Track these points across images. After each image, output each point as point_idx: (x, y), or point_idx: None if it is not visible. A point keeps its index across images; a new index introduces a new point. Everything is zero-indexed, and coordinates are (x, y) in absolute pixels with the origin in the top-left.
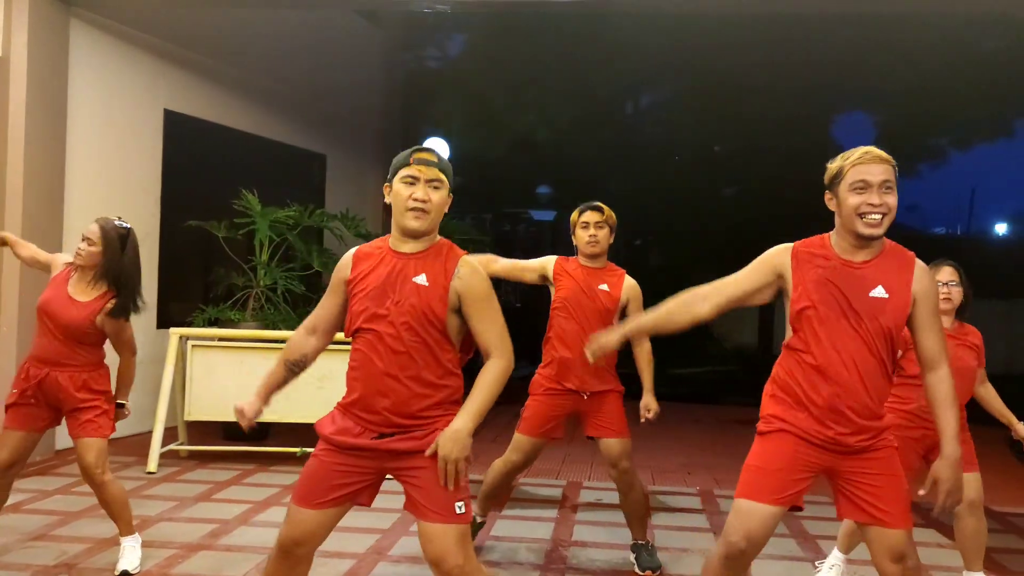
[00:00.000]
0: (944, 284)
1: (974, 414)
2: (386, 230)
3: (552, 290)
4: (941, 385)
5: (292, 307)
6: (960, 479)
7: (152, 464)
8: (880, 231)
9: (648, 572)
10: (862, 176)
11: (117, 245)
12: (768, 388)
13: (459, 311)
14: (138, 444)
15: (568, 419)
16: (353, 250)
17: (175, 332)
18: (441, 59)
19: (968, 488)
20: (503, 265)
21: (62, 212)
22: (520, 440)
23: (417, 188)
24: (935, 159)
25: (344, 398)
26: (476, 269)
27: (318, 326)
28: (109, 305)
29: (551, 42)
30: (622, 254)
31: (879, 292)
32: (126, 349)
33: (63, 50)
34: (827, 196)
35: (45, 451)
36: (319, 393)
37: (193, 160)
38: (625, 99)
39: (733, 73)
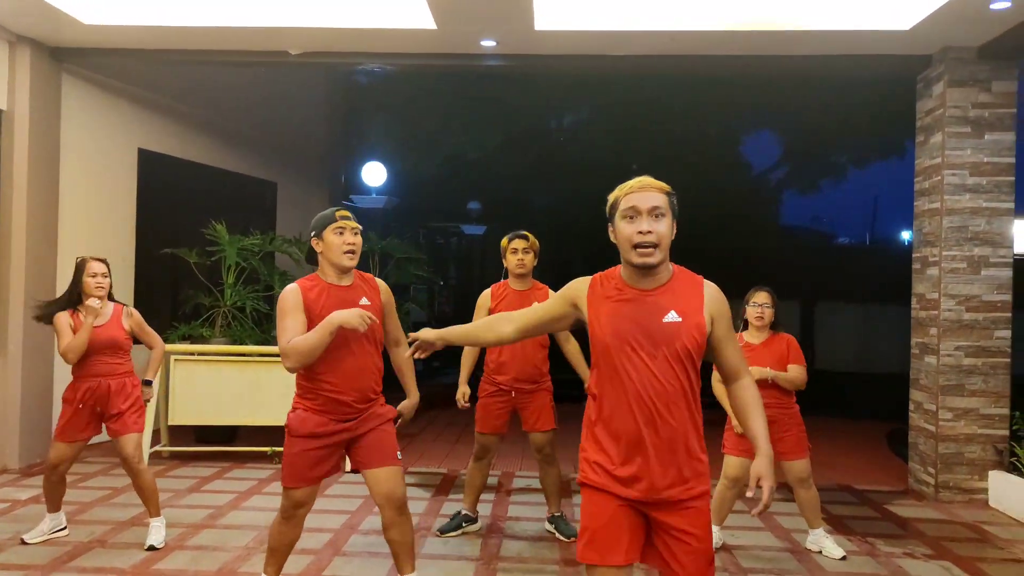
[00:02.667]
0: (759, 306)
1: (849, 410)
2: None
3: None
4: (746, 393)
5: (257, 324)
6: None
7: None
8: (653, 260)
9: (571, 539)
10: (632, 203)
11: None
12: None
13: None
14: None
15: (511, 415)
16: (296, 287)
17: None
18: (378, 90)
19: (800, 469)
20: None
21: (56, 245)
22: (478, 437)
23: (347, 236)
24: (836, 175)
25: (310, 401)
26: (385, 285)
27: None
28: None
29: (479, 71)
30: (550, 263)
31: (672, 317)
32: (154, 337)
33: (56, 101)
34: (609, 228)
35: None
36: (281, 400)
37: (163, 192)
38: (547, 120)
39: (648, 94)
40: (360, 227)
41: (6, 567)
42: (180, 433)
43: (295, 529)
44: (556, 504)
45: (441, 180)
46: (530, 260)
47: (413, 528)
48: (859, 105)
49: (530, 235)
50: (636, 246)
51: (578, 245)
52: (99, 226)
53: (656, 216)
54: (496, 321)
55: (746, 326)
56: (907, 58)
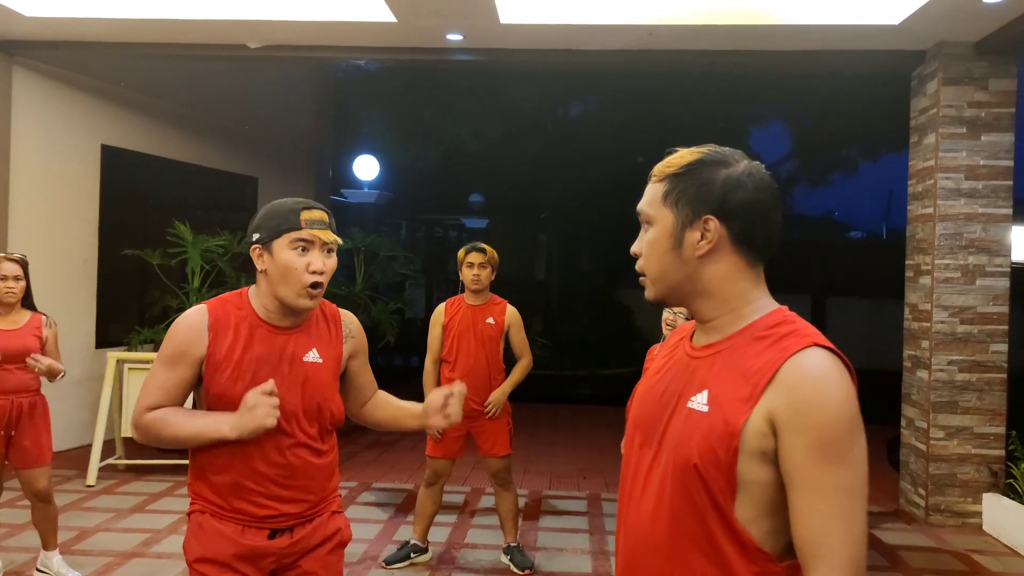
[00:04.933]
0: (675, 313)
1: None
2: None
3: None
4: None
5: None
6: None
7: (91, 478)
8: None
9: (526, 572)
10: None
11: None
12: None
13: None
14: (78, 458)
15: (467, 439)
16: (200, 312)
17: (112, 355)
18: (370, 78)
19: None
20: (429, 358)
21: (6, 246)
22: (429, 462)
23: (313, 256)
24: (847, 168)
25: (209, 502)
26: (359, 325)
27: None
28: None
29: (455, 65)
30: (557, 255)
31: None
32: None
33: (5, 95)
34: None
35: None
36: None
37: (130, 190)
38: (551, 112)
39: (653, 85)
40: (339, 241)
41: None
42: (137, 444)
43: None
44: (513, 533)
45: (440, 173)
46: (486, 275)
47: None
48: (869, 98)
49: (488, 248)
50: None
51: (584, 237)
52: (57, 226)
53: (644, 227)
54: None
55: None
56: (900, 53)
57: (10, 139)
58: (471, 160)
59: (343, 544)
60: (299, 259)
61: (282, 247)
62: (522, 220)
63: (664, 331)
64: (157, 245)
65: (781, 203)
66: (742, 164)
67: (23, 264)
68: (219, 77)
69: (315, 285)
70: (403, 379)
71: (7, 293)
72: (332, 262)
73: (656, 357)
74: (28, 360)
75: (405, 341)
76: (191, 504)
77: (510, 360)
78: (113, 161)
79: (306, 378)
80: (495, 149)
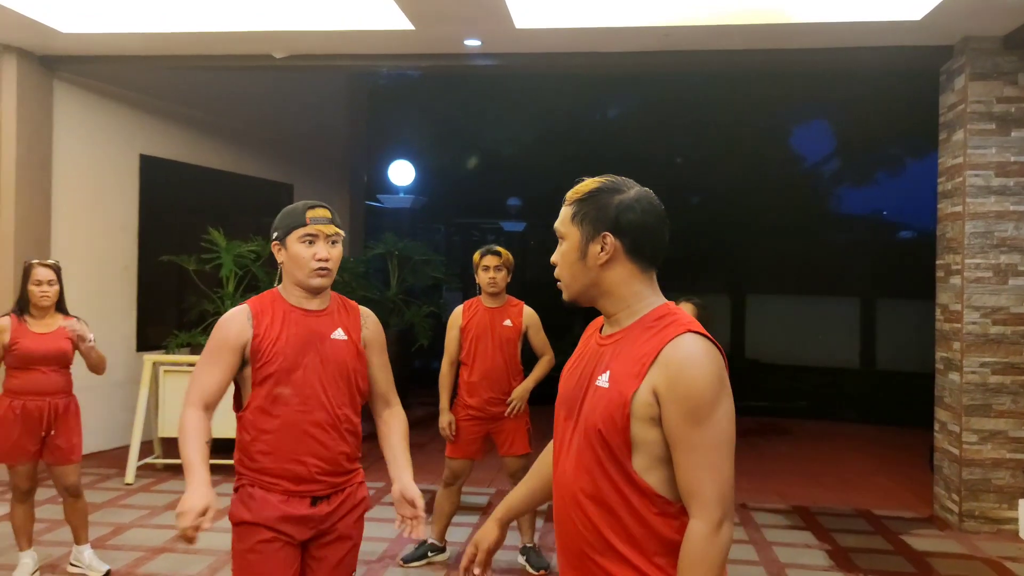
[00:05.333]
0: None
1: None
2: (354, 253)
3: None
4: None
5: None
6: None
7: (129, 476)
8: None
9: (541, 572)
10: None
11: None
12: None
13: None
14: (119, 457)
15: (485, 440)
16: (242, 311)
17: (148, 359)
18: (405, 85)
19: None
20: (446, 360)
21: (49, 254)
22: (448, 462)
23: (319, 247)
24: (893, 166)
25: (254, 472)
26: (377, 321)
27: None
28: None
29: (476, 71)
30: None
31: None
32: None
33: (47, 108)
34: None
35: None
36: None
37: (168, 198)
38: (586, 114)
39: (691, 86)
40: (341, 233)
41: None
42: (174, 444)
43: None
44: (530, 533)
45: (476, 177)
46: (502, 277)
47: None
48: (912, 95)
49: (503, 250)
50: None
51: None
52: (98, 234)
53: (559, 239)
54: (542, 457)
55: None
56: (926, 49)
57: (52, 150)
58: (507, 164)
59: (367, 510)
60: (307, 250)
61: (294, 241)
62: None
63: None
64: (194, 251)
65: (667, 222)
66: (633, 191)
67: (56, 269)
68: (254, 86)
69: (321, 268)
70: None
71: (42, 297)
72: (336, 251)
73: (580, 345)
74: (69, 327)
75: (440, 344)
76: (238, 479)
77: (531, 360)
78: (151, 170)
79: (335, 352)
80: (530, 153)
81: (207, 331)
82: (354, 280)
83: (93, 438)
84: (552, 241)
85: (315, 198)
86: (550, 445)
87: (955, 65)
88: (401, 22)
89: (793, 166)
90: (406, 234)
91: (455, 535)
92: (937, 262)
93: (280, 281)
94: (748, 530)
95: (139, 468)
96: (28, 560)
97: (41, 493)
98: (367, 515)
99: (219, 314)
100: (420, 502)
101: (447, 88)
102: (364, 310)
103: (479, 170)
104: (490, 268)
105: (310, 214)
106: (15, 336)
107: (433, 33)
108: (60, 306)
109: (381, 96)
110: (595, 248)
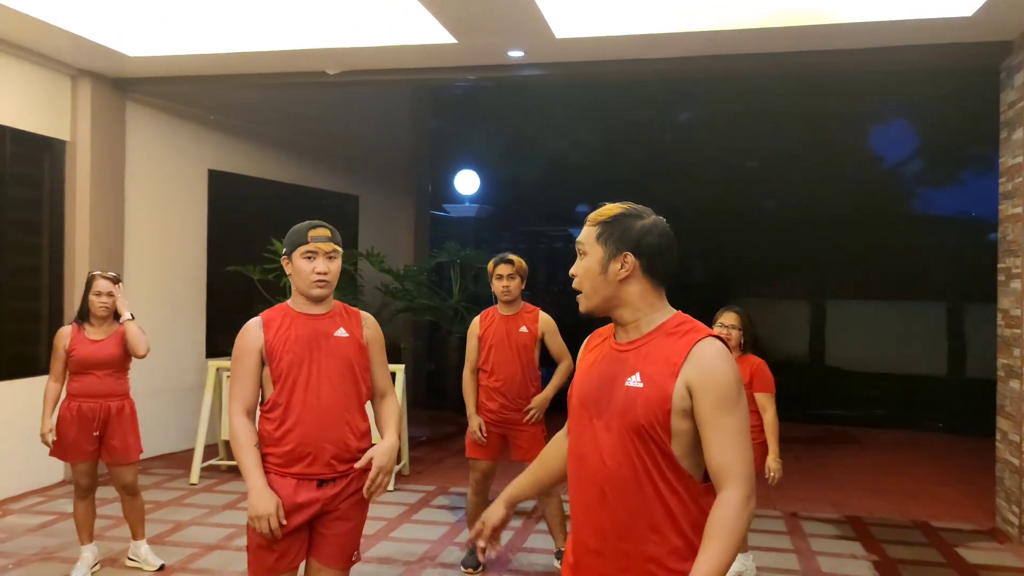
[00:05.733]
0: (726, 327)
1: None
2: (418, 262)
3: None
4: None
5: None
6: (389, 463)
7: (194, 476)
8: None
9: None
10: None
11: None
12: None
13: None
14: (186, 459)
15: (504, 442)
16: (256, 322)
17: (212, 364)
18: (471, 95)
19: None
20: (468, 368)
21: (122, 266)
22: (472, 463)
23: (318, 263)
24: (980, 166)
25: (273, 457)
26: (375, 322)
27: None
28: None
29: (520, 81)
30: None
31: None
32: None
33: (120, 128)
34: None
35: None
36: None
37: (235, 210)
38: (654, 119)
39: (759, 88)
40: (339, 249)
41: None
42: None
43: None
44: (562, 538)
45: (544, 184)
46: (516, 285)
47: None
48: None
49: (516, 258)
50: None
51: (695, 245)
52: (169, 246)
53: (580, 256)
54: (551, 445)
55: None
56: (984, 45)
57: (124, 167)
58: (574, 171)
59: (363, 498)
60: (308, 264)
61: (298, 257)
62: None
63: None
64: (259, 262)
65: (676, 247)
66: (651, 218)
67: (115, 281)
68: (319, 102)
69: (320, 281)
70: None
71: (101, 307)
72: (335, 265)
73: (584, 354)
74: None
75: None
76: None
77: (549, 364)
78: (219, 184)
79: (339, 347)
80: (598, 159)
81: None
82: (416, 288)
83: (164, 440)
84: None
85: (380, 208)
86: (556, 439)
87: (1014, 61)
88: (444, 36)
89: (872, 167)
90: (471, 243)
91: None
92: (998, 265)
93: (338, 297)
94: (794, 539)
95: (204, 469)
96: (89, 553)
97: (107, 492)
98: (414, 517)
99: None
100: (378, 462)
101: (513, 98)
102: (364, 314)
103: (546, 178)
104: (503, 276)
105: (311, 233)
106: (74, 343)
107: (476, 45)
108: (116, 315)
109: (447, 107)
110: (615, 265)
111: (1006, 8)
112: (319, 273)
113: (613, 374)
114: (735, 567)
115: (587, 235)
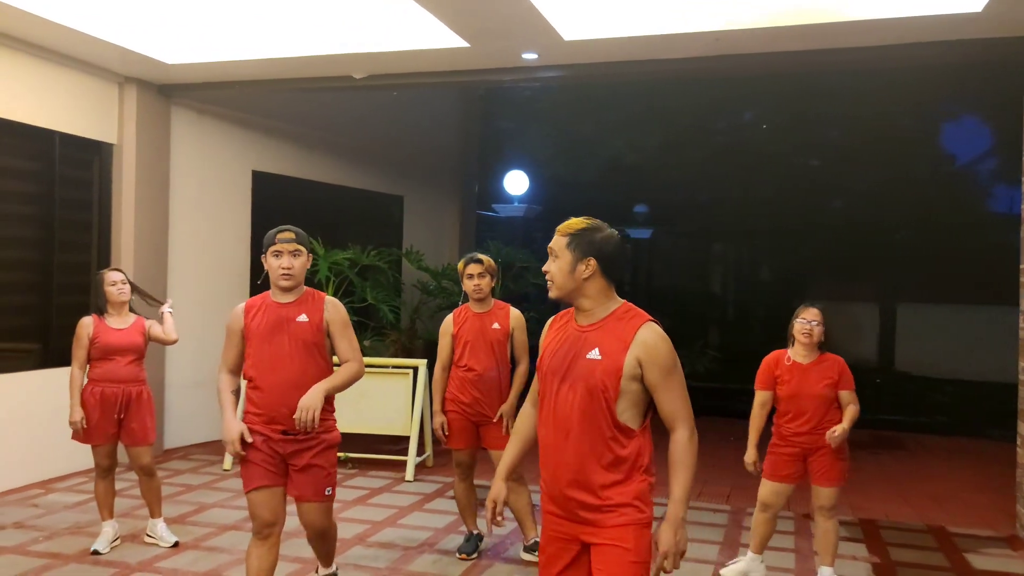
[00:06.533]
0: (808, 322)
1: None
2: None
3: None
4: (674, 448)
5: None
6: (678, 541)
7: (227, 463)
8: (550, 294)
9: None
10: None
11: None
12: None
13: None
14: (220, 447)
15: (477, 430)
16: (241, 307)
17: None
18: (522, 96)
19: (824, 497)
20: (439, 365)
21: (166, 263)
22: (453, 455)
23: (283, 259)
24: None
25: (253, 409)
26: (338, 305)
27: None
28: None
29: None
30: (731, 262)
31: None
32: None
33: (165, 131)
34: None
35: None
36: (355, 406)
37: (280, 210)
38: (711, 118)
39: (823, 85)
40: (301, 248)
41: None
42: None
43: (271, 553)
44: (534, 528)
45: (598, 185)
46: (486, 284)
47: (335, 538)
48: None
49: (485, 258)
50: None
51: (760, 246)
52: (212, 244)
53: (553, 257)
54: (523, 417)
55: (793, 342)
56: (1002, 42)
57: (169, 169)
58: (629, 171)
59: (333, 445)
60: (276, 261)
61: (268, 256)
62: (688, 229)
63: (801, 339)
64: None
65: (626, 254)
66: (607, 231)
67: (124, 273)
68: (363, 104)
69: (284, 274)
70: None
71: (119, 292)
72: (298, 261)
73: (553, 329)
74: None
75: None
76: (244, 416)
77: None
78: (263, 185)
79: (299, 331)
80: (653, 159)
81: None
82: (456, 285)
83: (206, 429)
84: (680, 249)
85: (425, 208)
86: (524, 412)
87: None
88: (457, 41)
89: (944, 165)
90: (519, 242)
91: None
92: (1020, 266)
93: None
94: (798, 539)
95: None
96: (109, 529)
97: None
98: (426, 506)
99: None
100: (301, 403)
101: (566, 100)
102: (328, 298)
103: (601, 178)
104: (474, 276)
105: (279, 236)
106: (97, 331)
107: (490, 49)
108: (131, 306)
109: (500, 109)
110: (581, 267)
111: (1015, 3)
112: (284, 267)
113: (577, 349)
114: (741, 566)
115: (559, 243)
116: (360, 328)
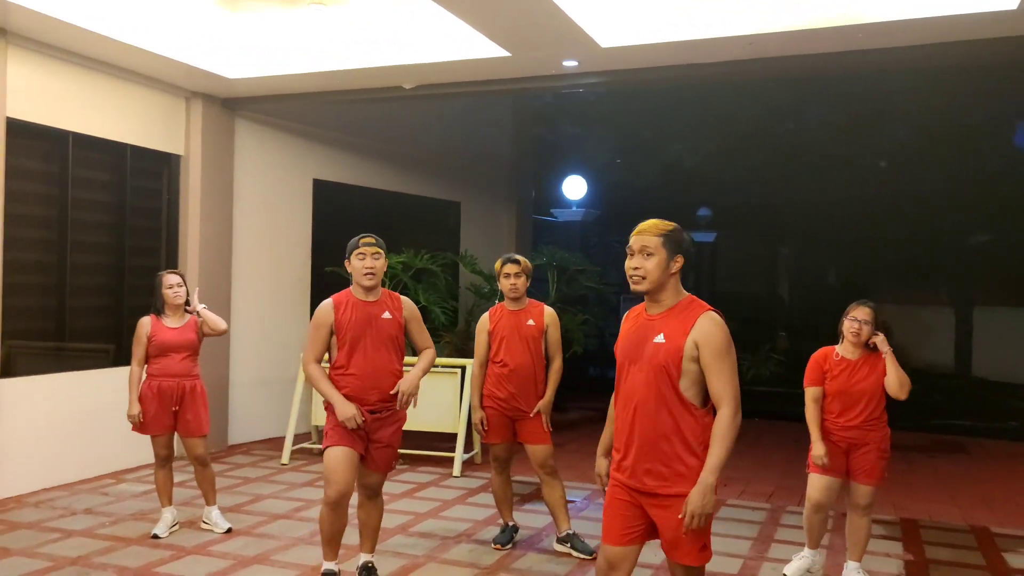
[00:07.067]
0: (857, 321)
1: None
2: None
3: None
4: (719, 422)
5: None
6: (704, 504)
7: (285, 457)
8: (641, 288)
9: (590, 556)
10: (630, 244)
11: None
12: None
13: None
14: (281, 443)
15: (514, 425)
16: (329, 302)
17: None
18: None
19: (861, 494)
20: (477, 362)
21: (230, 267)
22: (491, 449)
23: (367, 260)
24: None
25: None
26: (412, 304)
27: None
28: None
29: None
30: (797, 265)
31: (660, 339)
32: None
33: (230, 143)
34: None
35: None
36: (429, 408)
37: (339, 217)
38: (771, 121)
39: (888, 86)
40: (381, 251)
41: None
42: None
43: (342, 517)
44: (567, 521)
45: (658, 189)
46: (522, 283)
47: (381, 514)
48: None
49: (522, 259)
50: (629, 278)
51: (826, 248)
52: (275, 250)
53: (646, 255)
54: (612, 410)
55: (842, 339)
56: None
57: (233, 178)
58: (689, 175)
59: (402, 425)
60: (360, 263)
61: (353, 258)
62: (752, 233)
63: (850, 338)
64: None
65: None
66: (687, 234)
67: (182, 275)
68: (420, 111)
69: (368, 273)
70: (592, 387)
71: (175, 296)
72: (380, 262)
73: (628, 321)
74: (198, 310)
75: (594, 351)
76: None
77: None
78: (324, 192)
79: (384, 326)
80: (713, 162)
81: None
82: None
83: (270, 425)
84: (744, 252)
85: (481, 214)
86: (613, 399)
87: None
88: (497, 50)
89: (1018, 163)
90: (577, 247)
91: (536, 521)
92: None
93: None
94: (833, 536)
95: (297, 452)
96: (168, 515)
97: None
98: (469, 500)
99: None
100: (401, 387)
101: (625, 104)
102: (404, 298)
103: (661, 182)
104: (511, 275)
105: (362, 241)
106: (154, 330)
107: (531, 58)
108: (185, 306)
109: (557, 115)
110: (673, 263)
111: None
112: (368, 267)
113: (645, 335)
114: (802, 564)
115: (653, 242)
116: None
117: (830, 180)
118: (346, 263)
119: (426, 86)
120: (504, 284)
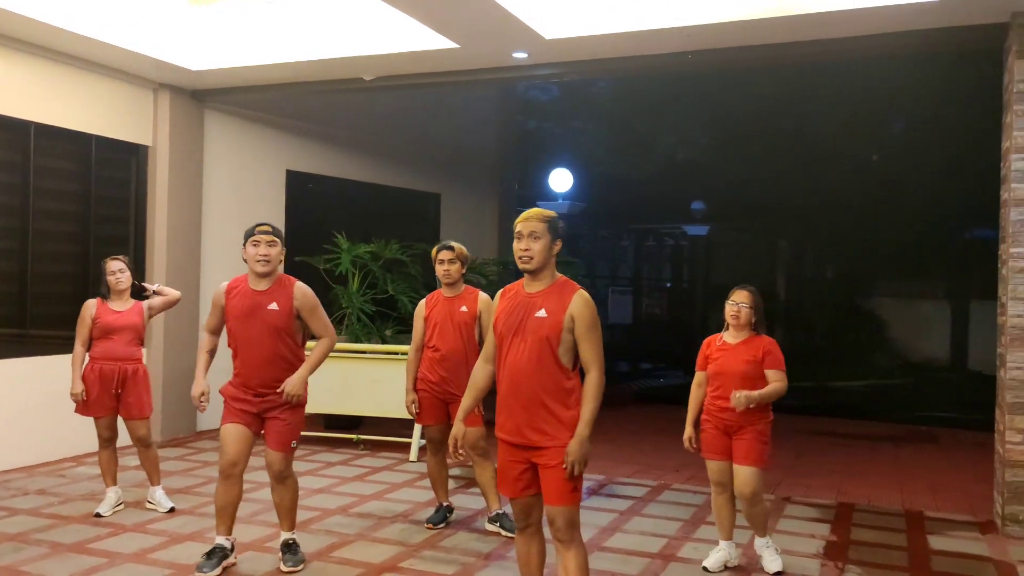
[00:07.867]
0: (736, 304)
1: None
2: (502, 258)
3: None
4: (588, 382)
5: (378, 325)
6: (583, 454)
7: None
8: (530, 267)
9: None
10: (518, 229)
11: None
12: None
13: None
14: None
15: (446, 407)
16: (223, 286)
17: None
18: (568, 94)
19: (742, 479)
20: (412, 346)
21: (199, 258)
22: (425, 431)
23: (260, 248)
24: None
25: (234, 378)
26: (308, 291)
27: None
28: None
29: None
30: (792, 259)
31: (542, 313)
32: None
33: (199, 133)
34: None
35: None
36: (368, 391)
37: (313, 208)
38: (767, 115)
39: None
40: (277, 240)
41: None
42: (330, 423)
43: (232, 489)
44: (496, 501)
45: (650, 182)
46: (456, 269)
47: (294, 494)
48: None
49: (457, 245)
50: (519, 258)
51: (822, 242)
52: None
53: (534, 238)
54: (477, 371)
55: (727, 325)
56: (984, 28)
57: (202, 169)
58: (682, 168)
59: (300, 404)
60: (254, 249)
61: (248, 245)
62: (746, 225)
63: (730, 320)
64: (324, 254)
65: None
66: (563, 221)
67: (125, 261)
68: (397, 101)
69: (261, 260)
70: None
71: (117, 282)
72: (274, 250)
73: (505, 298)
74: (149, 287)
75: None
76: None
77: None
78: (297, 183)
79: (268, 317)
80: (707, 155)
81: (337, 324)
82: (481, 278)
83: None
84: (738, 245)
85: (462, 206)
86: (477, 368)
87: (1008, 43)
88: (444, 42)
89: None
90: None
91: (469, 502)
92: (1000, 253)
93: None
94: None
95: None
96: (112, 494)
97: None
98: (419, 483)
99: (345, 309)
100: (286, 389)
101: (614, 96)
102: (297, 285)
103: (653, 175)
104: (444, 261)
105: (257, 228)
106: (99, 313)
107: (481, 50)
108: (134, 291)
109: (542, 107)
110: (555, 246)
111: None
112: (261, 254)
113: (527, 310)
114: (719, 556)
115: (539, 227)
116: (383, 319)
117: (825, 173)
118: (242, 250)
119: (385, 77)
120: (439, 270)
